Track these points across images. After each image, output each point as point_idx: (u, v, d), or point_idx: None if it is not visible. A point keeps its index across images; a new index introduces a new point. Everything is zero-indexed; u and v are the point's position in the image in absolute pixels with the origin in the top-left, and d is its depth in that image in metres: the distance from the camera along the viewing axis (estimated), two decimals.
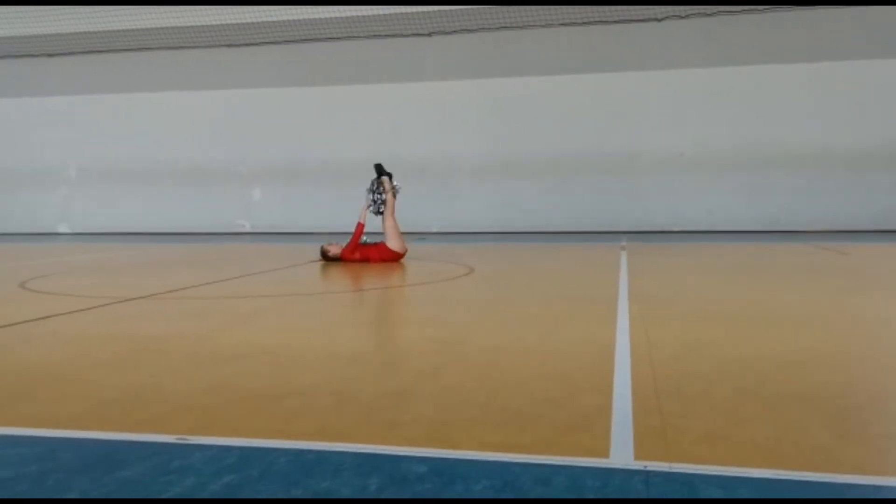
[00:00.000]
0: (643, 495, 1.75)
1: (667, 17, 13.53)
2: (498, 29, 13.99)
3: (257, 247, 11.89)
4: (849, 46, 12.79)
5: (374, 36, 14.52)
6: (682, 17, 13.46)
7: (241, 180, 15.68)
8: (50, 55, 16.09)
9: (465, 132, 14.34)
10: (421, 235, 13.61)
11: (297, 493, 1.79)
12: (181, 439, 2.18)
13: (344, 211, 15.00)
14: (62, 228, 16.62)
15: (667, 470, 1.89)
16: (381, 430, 2.26)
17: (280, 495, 1.78)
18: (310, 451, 2.08)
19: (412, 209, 14.67)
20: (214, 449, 2.10)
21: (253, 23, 14.60)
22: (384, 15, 14.19)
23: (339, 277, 7.03)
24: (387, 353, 3.39)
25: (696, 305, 4.90)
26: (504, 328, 4.11)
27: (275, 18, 14.45)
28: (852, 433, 2.18)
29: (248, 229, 15.66)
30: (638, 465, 1.93)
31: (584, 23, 13.44)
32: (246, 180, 15.68)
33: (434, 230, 14.30)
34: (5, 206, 16.53)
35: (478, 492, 1.79)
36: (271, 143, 15.28)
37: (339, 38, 14.68)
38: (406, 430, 2.25)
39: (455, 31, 14.20)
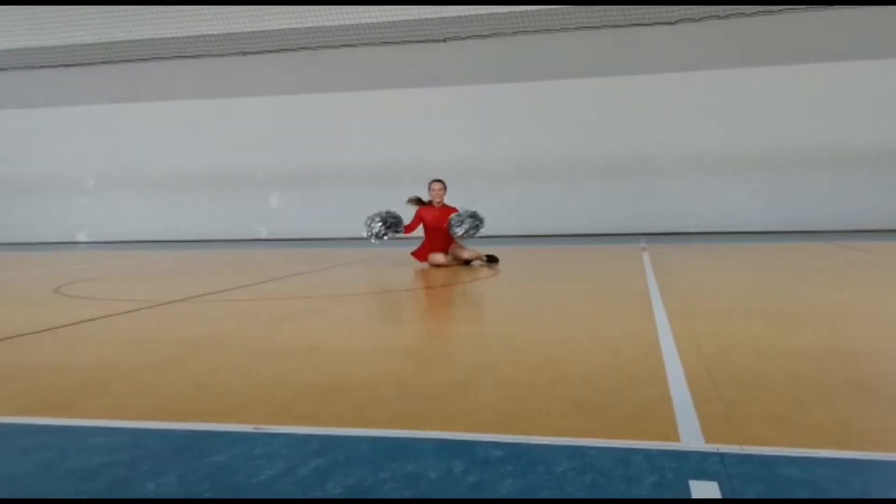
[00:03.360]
0: (721, 476, 1.80)
1: (680, 21, 13.57)
2: (513, 34, 14.08)
3: (279, 252, 11.98)
4: (864, 46, 12.81)
5: (389, 42, 14.63)
6: (695, 20, 13.51)
7: (258, 187, 15.80)
8: (66, 66, 16.27)
9: (483, 136, 14.42)
10: None
11: (384, 476, 1.84)
12: (258, 428, 2.24)
13: (359, 217, 15.14)
14: (81, 237, 16.78)
15: (739, 452, 1.94)
16: (452, 418, 2.32)
17: (369, 478, 1.84)
18: (386, 438, 2.14)
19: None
20: (295, 437, 2.16)
21: (267, 30, 14.74)
22: (399, 21, 14.29)
23: (372, 280, 7.10)
24: (438, 348, 3.45)
25: (729, 301, 4.94)
26: (547, 324, 4.16)
27: (289, 26, 14.58)
28: None
29: (264, 236, 15.77)
30: (711, 447, 1.98)
31: (600, 26, 13.51)
32: (263, 187, 15.80)
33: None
34: (24, 214, 16.70)
35: (559, 473, 1.84)
36: (289, 150, 15.39)
37: (354, 45, 14.79)
38: (475, 417, 2.31)
39: (469, 37, 14.29)
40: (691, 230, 12.98)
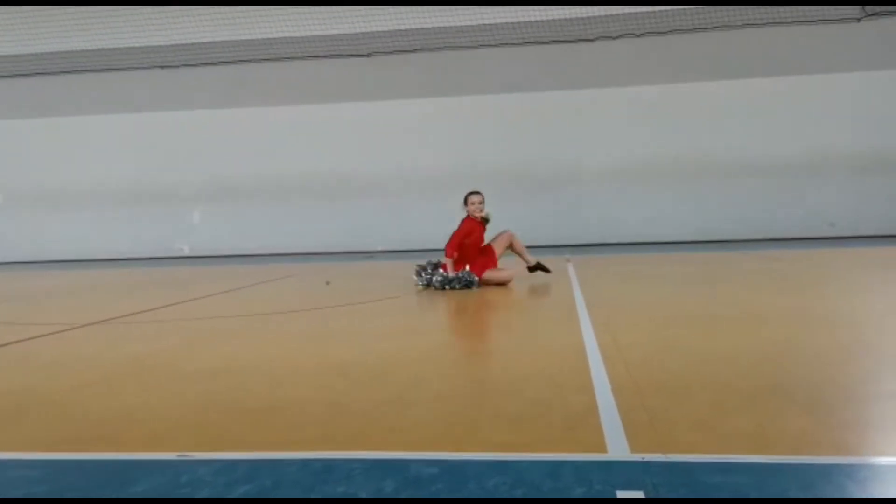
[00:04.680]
0: (647, 484, 1.85)
1: (598, 38, 13.95)
2: (442, 49, 14.19)
3: (203, 269, 11.69)
4: (781, 63, 13.45)
5: (316, 56, 14.52)
6: (612, 38, 13.91)
7: (181, 203, 15.39)
8: None
9: (410, 150, 14.45)
10: (369, 254, 13.64)
11: (314, 500, 1.82)
12: (183, 455, 2.18)
13: (284, 232, 14.96)
14: None
15: (663, 459, 2.00)
16: (384, 437, 2.31)
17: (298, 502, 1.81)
18: (317, 460, 2.11)
19: (360, 227, 14.72)
20: (221, 463, 2.11)
21: (188, 43, 14.44)
22: (326, 36, 14.21)
23: (302, 296, 7.00)
24: (371, 364, 3.43)
25: (653, 310, 5.08)
26: (477, 336, 4.19)
27: (215, 39, 14.32)
28: (828, 419, 2.33)
29: (187, 253, 15.37)
30: (636, 456, 2.04)
31: (521, 43, 13.76)
32: (185, 203, 15.40)
33: (380, 249, 14.33)
34: None
35: (491, 489, 1.86)
36: (213, 165, 15.06)
37: (280, 59, 14.62)
38: (408, 434, 2.31)
39: (397, 52, 14.33)
40: (617, 241, 13.32)
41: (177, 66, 14.86)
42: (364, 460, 2.09)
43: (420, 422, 2.44)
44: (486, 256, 7.10)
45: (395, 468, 2.03)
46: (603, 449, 2.12)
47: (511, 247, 7.36)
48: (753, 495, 1.76)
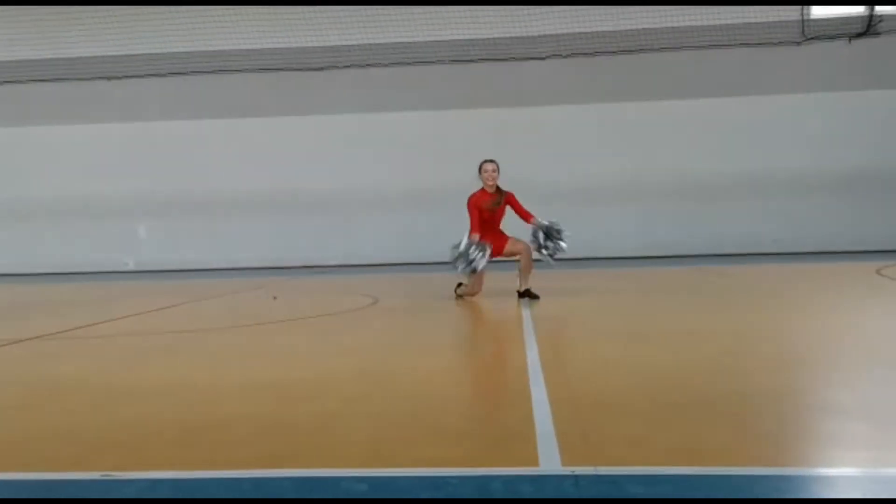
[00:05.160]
0: (575, 497, 1.87)
1: (549, 56, 14.16)
2: (388, 66, 14.23)
3: (147, 284, 11.44)
4: (720, 84, 13.80)
5: (264, 69, 14.41)
6: (564, 57, 14.12)
7: (125, 217, 15.04)
8: None
9: (351, 165, 14.36)
10: (320, 269, 13.53)
11: None
12: (107, 475, 2.12)
13: (234, 246, 14.74)
14: None
15: (593, 472, 2.02)
16: (315, 455, 2.28)
17: None
18: (246, 479, 2.08)
19: (312, 242, 14.59)
20: (146, 482, 2.06)
21: (130, 55, 14.23)
22: (275, 49, 14.14)
23: (242, 312, 6.90)
24: (309, 381, 3.39)
25: (598, 326, 5.15)
26: (420, 352, 4.18)
27: (156, 50, 14.13)
28: (750, 431, 2.38)
29: (132, 268, 15.01)
30: (566, 469, 2.05)
31: (476, 60, 13.88)
32: (130, 217, 15.06)
33: (333, 263, 14.23)
34: None
35: None
36: (158, 178, 14.75)
37: (224, 71, 14.47)
38: (340, 452, 2.28)
39: (347, 66, 14.32)
40: (568, 257, 13.44)
41: (120, 78, 14.60)
42: (293, 478, 2.07)
43: (353, 439, 2.41)
44: (502, 238, 6.84)
45: (325, 486, 2.02)
46: (535, 462, 2.13)
47: (519, 259, 6.92)
48: None
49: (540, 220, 6.78)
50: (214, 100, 14.66)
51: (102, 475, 2.11)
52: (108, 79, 14.74)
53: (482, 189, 6.84)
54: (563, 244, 6.72)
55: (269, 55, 14.29)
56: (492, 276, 7.06)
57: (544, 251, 6.68)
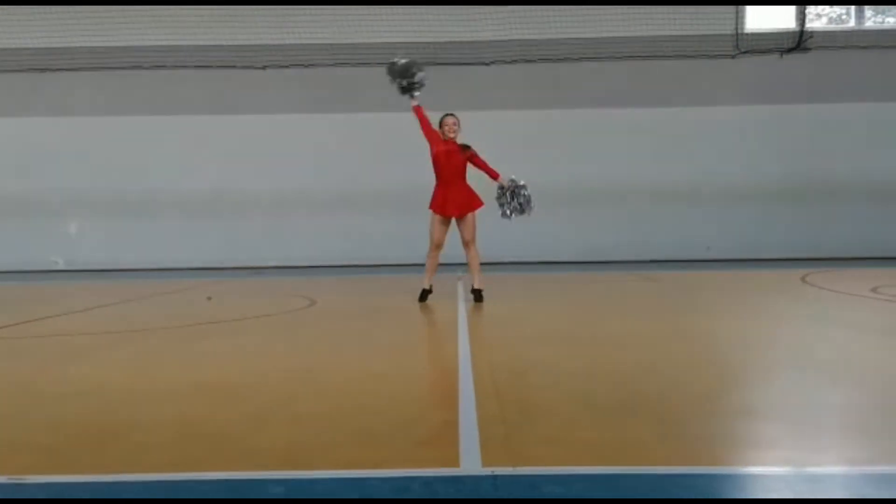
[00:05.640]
0: (493, 497, 1.89)
1: (494, 62, 14.29)
2: (329, 66, 14.13)
3: (76, 283, 11.09)
4: (654, 95, 14.15)
5: (205, 66, 14.15)
6: (508, 63, 14.27)
7: (55, 214, 14.55)
8: None
9: (298, 166, 14.23)
10: (257, 269, 13.34)
11: None
12: (15, 479, 2.05)
13: (170, 246, 14.42)
14: None
15: (511, 473, 2.05)
16: (234, 458, 2.25)
17: None
18: (161, 483, 2.04)
19: (248, 243, 14.37)
20: (57, 486, 2.00)
21: (64, 48, 13.80)
22: (216, 45, 13.89)
23: (172, 313, 6.75)
24: (235, 383, 3.34)
25: (528, 329, 5.21)
26: (352, 355, 4.17)
27: (97, 44, 13.74)
28: (667, 431, 2.45)
29: (61, 266, 14.53)
30: (486, 470, 2.08)
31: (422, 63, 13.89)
32: (60, 214, 14.57)
33: (272, 264, 14.05)
34: None
35: None
36: (91, 175, 14.32)
37: (166, 67, 14.16)
38: (260, 456, 2.26)
39: (286, 66, 14.16)
40: (510, 261, 13.56)
41: (54, 70, 14.15)
42: (212, 481, 2.04)
43: (275, 442, 2.39)
44: (461, 193, 6.78)
45: (243, 488, 2.00)
46: (456, 464, 2.15)
47: (464, 244, 6.88)
48: None
49: (507, 179, 6.83)
50: (151, 97, 14.32)
51: (10, 478, 2.05)
52: (42, 71, 14.26)
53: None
54: (529, 203, 6.76)
55: (207, 52, 14.03)
56: (435, 277, 7.07)
57: (510, 211, 6.71)
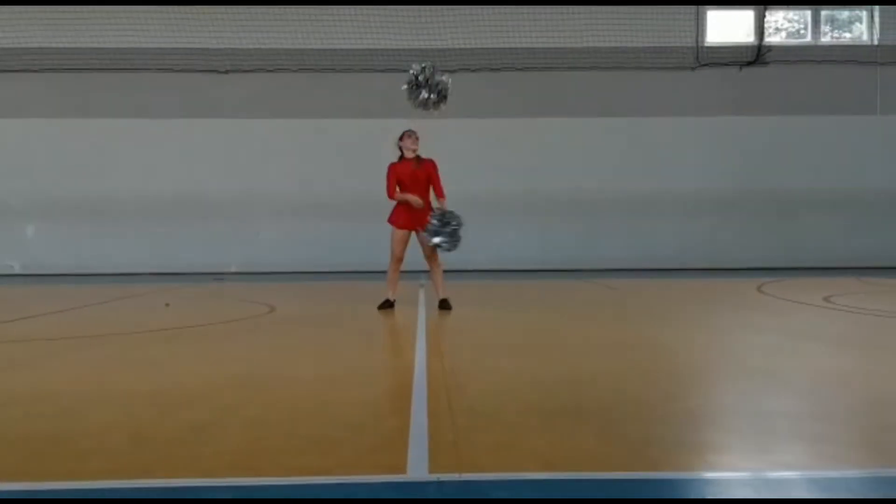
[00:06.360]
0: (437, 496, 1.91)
1: (458, 70, 14.36)
2: (296, 71, 14.09)
3: (32, 288, 10.87)
4: (619, 105, 14.35)
5: (168, 70, 14.01)
6: (472, 71, 14.35)
7: (12, 216, 14.25)
8: None
9: (262, 169, 14.14)
10: (218, 276, 13.21)
11: None
12: None
13: (130, 250, 14.21)
14: None
15: (458, 479, 2.07)
16: (181, 465, 2.24)
17: None
18: (105, 489, 2.03)
19: (210, 248, 14.22)
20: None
21: (24, 48, 13.56)
22: (180, 49, 13.75)
23: (125, 320, 6.66)
24: (186, 390, 3.31)
25: (486, 337, 5.25)
26: (308, 361, 4.16)
27: (61, 45, 13.52)
28: (615, 438, 2.50)
29: (18, 270, 14.24)
30: (432, 476, 2.10)
31: (383, 70, 13.92)
32: (17, 216, 14.28)
33: (233, 269, 13.91)
34: None
35: None
36: (51, 177, 14.06)
37: (131, 70, 13.99)
38: (207, 462, 2.25)
39: (252, 70, 14.09)
40: (473, 268, 13.62)
41: (9, 72, 13.88)
42: (156, 488, 2.03)
43: (223, 448, 2.39)
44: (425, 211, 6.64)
45: (188, 494, 1.99)
46: (403, 470, 2.16)
47: (427, 258, 6.84)
48: None
49: (443, 205, 6.70)
50: (111, 99, 14.13)
51: None
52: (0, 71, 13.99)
53: (402, 158, 6.81)
54: (457, 237, 6.51)
55: (172, 55, 13.89)
56: (399, 284, 7.07)
57: (437, 239, 6.47)
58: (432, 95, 6.61)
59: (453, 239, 6.46)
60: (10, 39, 13.49)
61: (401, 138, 6.86)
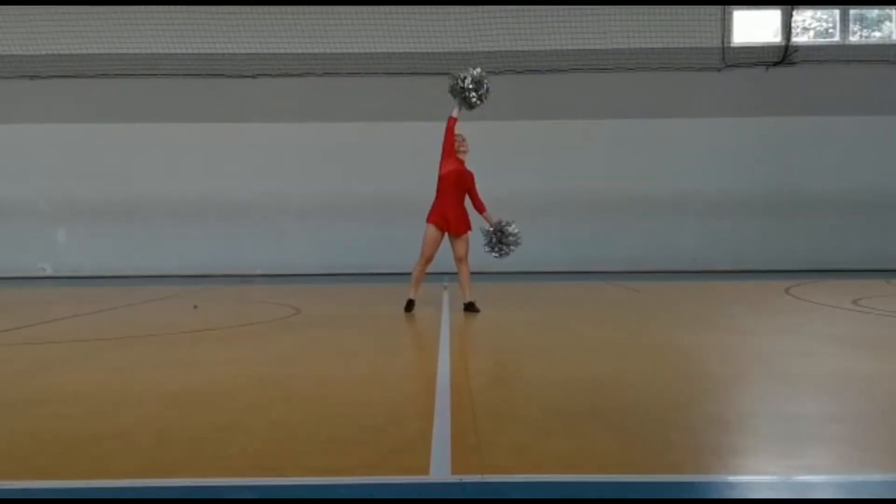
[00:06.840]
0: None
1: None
2: (321, 75, 14.18)
3: (64, 290, 11.06)
4: (638, 107, 14.25)
5: (195, 75, 14.18)
6: (495, 74, 14.32)
7: (42, 220, 14.51)
8: None
9: (288, 173, 14.26)
10: (245, 278, 13.33)
11: None
12: None
13: (159, 253, 14.40)
14: None
15: (480, 480, 2.08)
16: (206, 464, 2.27)
17: None
18: (131, 488, 2.06)
19: (237, 251, 14.36)
20: (28, 491, 2.02)
21: (55, 55, 13.82)
22: (206, 54, 13.92)
23: (156, 321, 6.76)
24: (213, 391, 3.36)
25: (509, 339, 5.25)
26: (333, 363, 4.19)
27: (79, 51, 13.76)
28: (636, 440, 2.49)
29: (49, 273, 14.49)
30: (455, 478, 2.11)
31: (401, 73, 13.96)
32: (47, 220, 14.53)
33: (259, 272, 14.04)
34: None
35: None
36: (79, 180, 14.30)
37: (153, 75, 14.17)
38: (232, 462, 2.28)
39: (281, 75, 14.21)
40: (498, 271, 13.58)
41: (44, 78, 14.15)
42: (182, 487, 2.06)
43: (247, 449, 2.42)
44: (461, 215, 6.81)
45: (211, 494, 2.02)
46: (426, 471, 2.18)
47: (458, 260, 6.94)
48: None
49: (491, 217, 6.84)
50: (141, 104, 14.33)
51: None
52: (31, 78, 14.26)
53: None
54: (512, 248, 6.81)
55: (197, 61, 14.06)
56: (421, 286, 7.10)
57: (495, 252, 6.77)
58: (505, 248, 6.82)
59: (503, 255, 6.81)
60: (40, 46, 13.75)
61: (458, 139, 6.96)
